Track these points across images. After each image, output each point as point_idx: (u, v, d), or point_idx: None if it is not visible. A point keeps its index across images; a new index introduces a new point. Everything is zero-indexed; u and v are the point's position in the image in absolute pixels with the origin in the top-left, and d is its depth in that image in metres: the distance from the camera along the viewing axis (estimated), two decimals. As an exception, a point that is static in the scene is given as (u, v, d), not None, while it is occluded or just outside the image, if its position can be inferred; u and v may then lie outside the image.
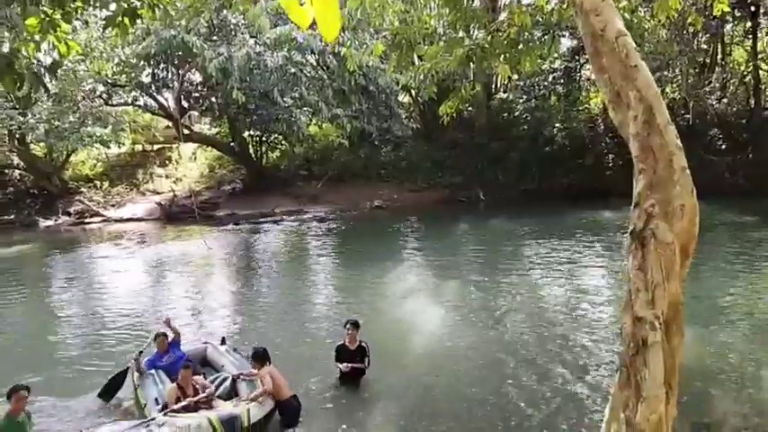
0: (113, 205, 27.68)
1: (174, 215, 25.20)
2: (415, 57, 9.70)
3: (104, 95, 25.37)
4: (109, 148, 26.75)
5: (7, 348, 10.07)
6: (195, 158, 31.52)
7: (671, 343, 2.54)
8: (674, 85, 24.99)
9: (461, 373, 7.91)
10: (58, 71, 21.66)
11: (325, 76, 22.79)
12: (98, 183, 29.34)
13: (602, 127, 26.36)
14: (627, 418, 2.56)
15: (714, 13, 8.21)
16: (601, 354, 8.35)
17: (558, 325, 9.70)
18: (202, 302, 12.66)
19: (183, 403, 6.22)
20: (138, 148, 31.82)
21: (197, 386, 6.56)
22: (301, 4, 1.47)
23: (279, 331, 9.94)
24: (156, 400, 6.55)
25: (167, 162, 31.33)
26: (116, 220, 25.77)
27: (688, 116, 22.95)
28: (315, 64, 23.41)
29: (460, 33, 8.87)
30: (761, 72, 24.74)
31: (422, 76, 9.02)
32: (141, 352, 7.53)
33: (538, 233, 17.90)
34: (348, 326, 7.60)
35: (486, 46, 8.29)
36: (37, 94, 22.06)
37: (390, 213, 24.01)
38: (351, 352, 7.50)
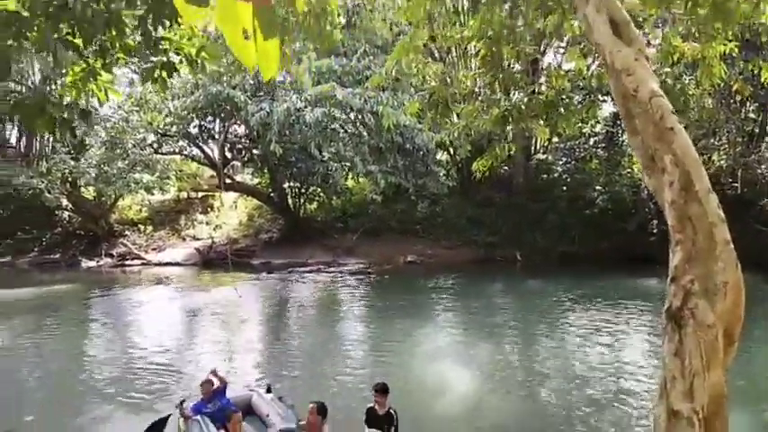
0: (154, 249, 28.37)
1: (211, 261, 25.60)
2: (454, 115, 9.74)
3: (155, 144, 26.51)
4: (153, 194, 27.69)
5: (40, 384, 10.22)
6: (236, 207, 32.24)
7: (713, 443, 2.20)
8: (722, 153, 24.28)
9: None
10: (111, 120, 22.93)
11: (364, 133, 23.25)
12: (142, 227, 30.26)
13: (646, 192, 25.64)
14: None
15: (762, 81, 7.94)
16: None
17: (593, 400, 9.07)
18: (232, 350, 12.59)
19: None
20: (183, 195, 32.87)
21: None
22: (246, 38, 1.39)
23: (307, 386, 9.68)
24: None
25: (209, 209, 32.16)
26: (155, 264, 26.33)
27: (736, 185, 22.13)
28: (353, 120, 23.94)
29: (498, 94, 8.85)
30: (813, 142, 23.78)
31: (456, 134, 8.98)
32: (184, 400, 7.50)
33: (576, 298, 17.19)
34: (373, 391, 7.22)
35: (523, 107, 8.23)
36: (87, 141, 23.30)
37: (424, 269, 23.68)
38: (378, 417, 7.09)
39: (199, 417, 7.12)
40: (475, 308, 16.56)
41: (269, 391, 8.00)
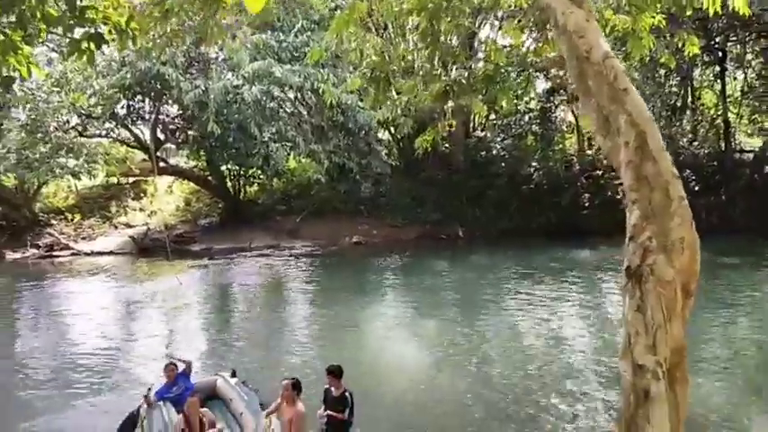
0: (84, 238, 26.86)
1: (148, 249, 24.54)
2: (394, 92, 9.65)
3: (79, 127, 24.89)
4: (79, 179, 26.14)
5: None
6: (171, 192, 30.96)
7: (675, 393, 2.26)
8: (648, 127, 25.45)
9: (444, 416, 7.54)
10: (30, 103, 21.32)
11: (304, 112, 22.77)
12: (69, 215, 28.54)
13: (577, 167, 26.63)
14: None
15: (685, 55, 8.26)
16: (588, 397, 8.05)
17: (541, 366, 9.41)
18: (172, 339, 12.17)
19: None
20: (113, 180, 31.21)
21: (204, 419, 6.38)
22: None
23: (260, 371, 9.50)
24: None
25: (142, 195, 30.72)
26: (86, 254, 24.94)
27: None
28: (293, 99, 23.39)
29: (438, 69, 8.83)
30: (730, 115, 25.35)
31: (399, 110, 8.90)
32: (150, 389, 7.26)
33: (516, 271, 17.73)
34: (326, 372, 7.07)
35: (463, 82, 8.26)
36: (4, 125, 21.61)
37: (370, 249, 23.68)
38: (334, 398, 6.98)
39: (161, 402, 7.00)
40: (420, 285, 16.75)
41: (234, 375, 7.94)
